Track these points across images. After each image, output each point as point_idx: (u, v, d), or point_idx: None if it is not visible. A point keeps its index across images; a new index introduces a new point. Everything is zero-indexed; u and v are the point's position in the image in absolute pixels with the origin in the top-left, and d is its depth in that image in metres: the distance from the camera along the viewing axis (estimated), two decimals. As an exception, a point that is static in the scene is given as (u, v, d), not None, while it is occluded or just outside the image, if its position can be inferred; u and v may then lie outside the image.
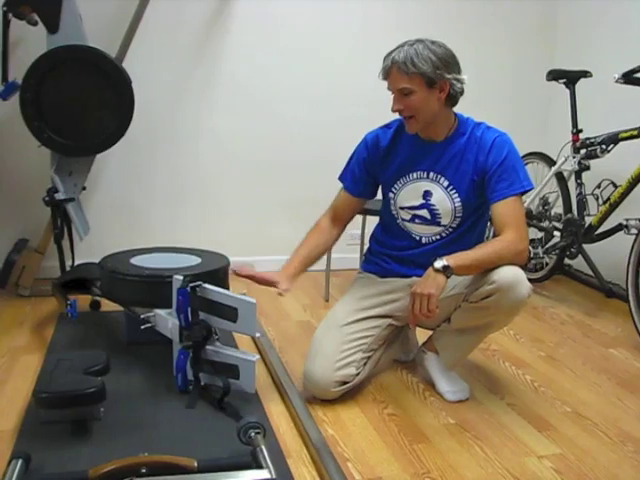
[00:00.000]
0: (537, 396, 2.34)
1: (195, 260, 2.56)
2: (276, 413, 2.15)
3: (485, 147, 2.14)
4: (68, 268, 3.19)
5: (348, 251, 3.63)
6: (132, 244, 2.84)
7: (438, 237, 2.27)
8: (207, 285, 2.16)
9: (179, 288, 2.14)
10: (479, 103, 3.56)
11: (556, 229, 3.47)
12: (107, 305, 2.86)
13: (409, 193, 2.26)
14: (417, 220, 2.27)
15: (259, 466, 1.72)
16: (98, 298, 2.95)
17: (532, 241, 3.61)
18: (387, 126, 2.30)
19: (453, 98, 2.12)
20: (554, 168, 3.48)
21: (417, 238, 2.29)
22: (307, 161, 3.71)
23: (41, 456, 1.78)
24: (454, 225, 2.24)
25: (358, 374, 2.21)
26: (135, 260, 2.54)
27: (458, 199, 2.19)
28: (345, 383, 2.18)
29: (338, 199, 2.40)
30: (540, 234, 3.63)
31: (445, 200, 2.21)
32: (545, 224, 3.57)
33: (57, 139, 2.92)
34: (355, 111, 3.62)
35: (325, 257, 3.26)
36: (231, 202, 3.72)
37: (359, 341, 2.22)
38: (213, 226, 3.71)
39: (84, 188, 3.22)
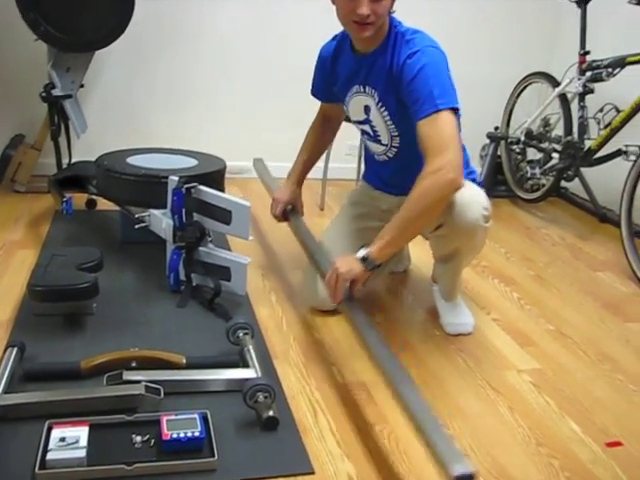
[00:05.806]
0: (522, 313, 2.39)
1: (192, 162, 2.55)
2: (265, 316, 2.19)
3: (399, 65, 1.89)
4: (65, 166, 3.19)
5: (346, 161, 3.62)
6: (129, 144, 2.82)
7: (385, 158, 2.15)
8: (202, 187, 2.17)
9: (174, 189, 2.15)
10: (484, 19, 3.50)
11: (555, 151, 3.45)
12: (103, 204, 2.86)
13: (355, 106, 2.13)
14: (365, 136, 2.18)
15: (246, 365, 1.77)
16: (94, 197, 2.95)
17: (530, 162, 3.61)
18: (333, 38, 2.19)
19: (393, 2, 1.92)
20: (558, 89, 3.44)
21: (371, 154, 2.23)
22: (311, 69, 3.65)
23: (35, 346, 1.83)
24: (396, 145, 2.08)
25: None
26: (132, 160, 2.53)
27: (388, 117, 2.02)
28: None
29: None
30: (539, 155, 3.62)
31: (378, 117, 2.05)
32: (545, 145, 3.55)
33: (54, 33, 2.83)
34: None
35: (322, 166, 3.26)
36: (231, 106, 3.67)
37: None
38: (212, 130, 3.67)
39: (82, 85, 3.18)
